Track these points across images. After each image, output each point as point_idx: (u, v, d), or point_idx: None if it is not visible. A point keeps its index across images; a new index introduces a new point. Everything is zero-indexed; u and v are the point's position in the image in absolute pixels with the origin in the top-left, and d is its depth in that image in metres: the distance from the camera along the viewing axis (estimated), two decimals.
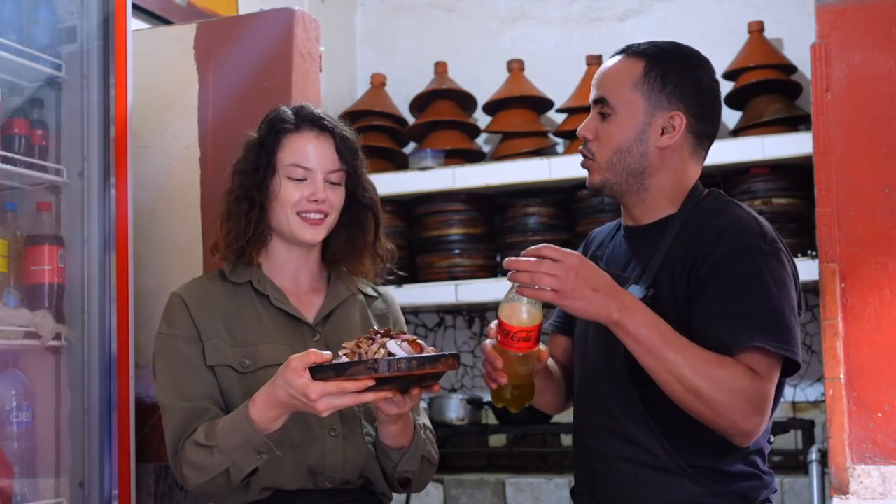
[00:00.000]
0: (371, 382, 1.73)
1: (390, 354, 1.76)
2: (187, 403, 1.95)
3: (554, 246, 1.78)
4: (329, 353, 1.78)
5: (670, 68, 1.95)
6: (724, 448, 1.86)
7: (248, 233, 2.06)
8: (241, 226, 2.06)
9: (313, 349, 1.78)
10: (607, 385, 1.94)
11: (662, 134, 1.94)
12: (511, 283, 1.79)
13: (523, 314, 1.81)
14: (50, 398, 2.41)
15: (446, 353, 1.77)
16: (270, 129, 2.08)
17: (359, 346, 1.79)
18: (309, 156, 2.05)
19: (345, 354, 1.79)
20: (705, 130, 1.98)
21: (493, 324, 1.86)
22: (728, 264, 1.84)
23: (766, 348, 1.78)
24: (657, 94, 1.94)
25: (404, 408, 1.85)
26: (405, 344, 1.79)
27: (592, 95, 2.00)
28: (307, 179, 2.05)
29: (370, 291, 2.20)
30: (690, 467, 1.87)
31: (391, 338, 1.80)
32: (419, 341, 1.82)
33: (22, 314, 2.30)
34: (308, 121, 2.08)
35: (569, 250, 1.77)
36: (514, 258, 1.78)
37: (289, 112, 2.10)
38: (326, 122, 2.09)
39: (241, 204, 2.06)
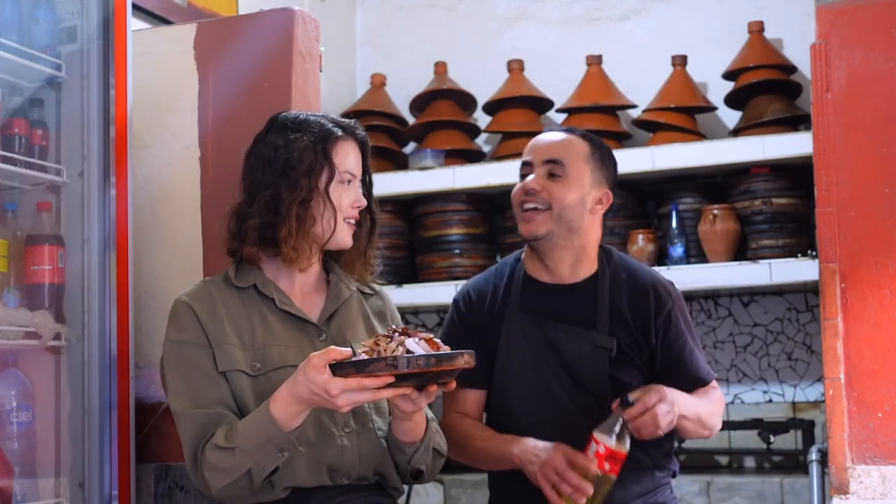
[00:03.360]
0: (390, 379, 1.77)
1: (408, 352, 1.79)
2: (203, 410, 1.96)
3: (656, 394, 2.16)
4: (349, 349, 1.82)
5: (605, 155, 2.41)
6: (671, 447, 2.44)
7: (309, 235, 2.07)
8: (303, 228, 2.05)
9: (333, 346, 1.82)
10: (586, 425, 2.19)
11: (597, 204, 2.37)
12: (619, 413, 2.14)
13: (628, 441, 2.17)
14: (50, 398, 2.41)
15: (463, 350, 1.82)
16: (325, 134, 2.09)
17: (377, 344, 1.83)
18: (355, 162, 2.13)
19: (364, 352, 1.82)
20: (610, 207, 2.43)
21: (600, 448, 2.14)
22: (672, 316, 2.35)
23: (715, 376, 2.45)
24: (598, 172, 2.38)
25: (421, 405, 1.90)
26: (423, 342, 1.83)
27: (544, 156, 2.35)
28: (350, 185, 2.11)
29: (366, 289, 2.24)
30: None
31: (408, 336, 1.84)
32: (436, 339, 1.86)
33: (22, 314, 2.30)
34: (349, 130, 2.13)
35: (658, 388, 2.19)
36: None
37: (325, 119, 2.13)
38: (360, 132, 2.15)
39: (306, 208, 2.06)
